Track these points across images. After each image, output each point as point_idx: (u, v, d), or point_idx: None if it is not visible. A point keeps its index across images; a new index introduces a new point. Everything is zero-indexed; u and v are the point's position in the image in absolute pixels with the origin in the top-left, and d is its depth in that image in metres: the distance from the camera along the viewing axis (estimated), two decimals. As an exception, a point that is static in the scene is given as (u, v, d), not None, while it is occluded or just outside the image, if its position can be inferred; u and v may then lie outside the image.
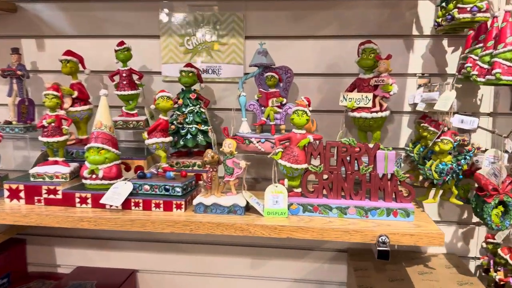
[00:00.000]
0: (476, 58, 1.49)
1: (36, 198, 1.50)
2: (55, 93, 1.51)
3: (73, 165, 1.58)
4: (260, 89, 1.66)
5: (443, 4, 1.55)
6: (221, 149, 1.44)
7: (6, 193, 1.51)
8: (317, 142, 1.42)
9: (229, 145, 1.42)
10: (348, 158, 1.39)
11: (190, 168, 1.66)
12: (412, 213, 1.37)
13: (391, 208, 1.38)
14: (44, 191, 1.49)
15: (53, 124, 1.51)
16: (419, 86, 1.72)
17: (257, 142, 1.58)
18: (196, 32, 1.85)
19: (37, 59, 1.96)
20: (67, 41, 1.92)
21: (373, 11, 1.76)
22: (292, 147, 1.41)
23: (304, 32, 1.81)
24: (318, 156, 1.40)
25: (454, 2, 1.45)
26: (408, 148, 1.71)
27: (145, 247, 2.02)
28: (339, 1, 1.76)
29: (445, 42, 1.75)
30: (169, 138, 1.55)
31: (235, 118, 1.69)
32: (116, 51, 1.71)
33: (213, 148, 1.68)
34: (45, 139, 1.51)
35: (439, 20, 1.56)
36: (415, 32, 1.76)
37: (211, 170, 1.42)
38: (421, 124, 1.63)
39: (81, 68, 1.78)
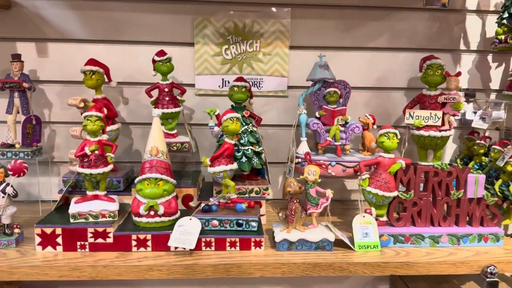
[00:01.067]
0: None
1: (79, 243, 1.21)
2: (99, 114, 1.23)
3: (116, 198, 1.31)
4: (324, 106, 1.52)
5: (505, 21, 1.54)
6: (301, 177, 1.28)
7: (37, 239, 1.21)
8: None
9: (313, 172, 1.26)
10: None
11: (247, 195, 1.46)
12: (502, 237, 1.33)
13: (482, 234, 1.33)
14: (90, 235, 1.21)
15: (96, 152, 1.24)
16: (468, 101, 1.70)
17: (327, 166, 1.44)
18: (235, 40, 1.64)
19: (37, 66, 1.62)
20: (76, 46, 1.61)
21: (423, 24, 1.70)
22: (381, 172, 1.29)
23: (352, 43, 1.70)
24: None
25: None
26: (456, 165, 1.68)
27: None
28: (390, 11, 1.68)
29: (489, 57, 1.75)
30: (235, 165, 1.35)
31: (293, 138, 1.53)
32: (155, 61, 1.46)
33: (266, 172, 1.51)
34: (88, 171, 1.23)
35: (501, 37, 1.54)
36: (462, 46, 1.73)
37: (294, 201, 1.26)
38: (476, 142, 1.61)
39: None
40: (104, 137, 1.27)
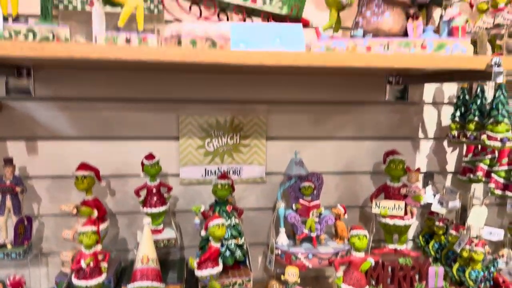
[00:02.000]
0: (485, 167, 1.71)
1: None
2: (94, 228, 1.33)
3: (109, 303, 1.40)
4: (300, 200, 1.66)
5: (457, 119, 1.74)
6: (283, 279, 1.41)
7: None
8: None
9: (293, 274, 1.40)
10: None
11: (231, 288, 1.58)
12: (460, 322, 1.50)
13: (443, 320, 1.49)
14: None
15: (91, 264, 1.32)
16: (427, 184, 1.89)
17: (304, 258, 1.57)
18: (217, 134, 1.78)
19: (27, 163, 1.69)
20: (65, 143, 1.69)
21: (385, 115, 1.89)
22: (353, 271, 1.44)
23: (322, 134, 1.86)
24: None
25: (473, 123, 1.65)
26: (419, 242, 1.86)
27: None
28: (355, 106, 1.86)
29: (445, 143, 1.95)
30: (220, 267, 1.46)
31: (273, 232, 1.67)
32: (144, 165, 1.57)
33: (248, 261, 1.63)
34: (83, 283, 1.31)
35: (454, 133, 1.75)
36: (421, 134, 1.93)
37: (277, 302, 1.38)
38: (435, 223, 1.79)
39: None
40: (99, 247, 1.36)
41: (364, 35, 1.40)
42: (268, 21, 1.46)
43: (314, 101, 1.83)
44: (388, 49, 1.37)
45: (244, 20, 1.46)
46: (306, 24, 1.57)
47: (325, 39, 1.42)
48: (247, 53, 1.17)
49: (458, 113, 1.75)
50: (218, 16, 1.45)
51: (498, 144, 1.53)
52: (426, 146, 1.95)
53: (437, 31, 1.40)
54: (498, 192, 1.65)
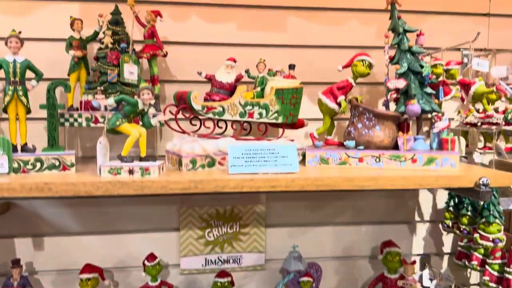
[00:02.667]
0: (480, 256, 1.74)
1: None
2: None
3: None
4: (299, 295, 1.70)
5: (451, 208, 1.79)
6: None
7: None
8: None
9: None
10: None
11: None
12: None
13: None
14: None
15: None
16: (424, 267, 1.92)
17: None
18: (217, 224, 1.83)
19: (33, 259, 1.74)
20: (70, 238, 1.75)
21: (381, 200, 1.93)
22: None
23: (320, 220, 1.91)
24: None
25: (466, 217, 1.69)
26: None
27: None
28: (352, 193, 1.91)
29: (441, 225, 1.99)
30: None
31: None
32: (145, 265, 1.62)
33: None
34: None
35: (449, 222, 1.79)
36: (417, 218, 1.97)
37: None
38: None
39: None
40: None
41: (356, 146, 1.46)
42: (265, 127, 1.52)
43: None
44: (379, 161, 1.43)
45: (243, 129, 1.53)
46: (301, 125, 1.64)
47: (319, 149, 1.48)
48: (243, 180, 1.23)
49: (452, 203, 1.79)
50: (218, 124, 1.52)
51: (490, 244, 1.57)
52: (422, 229, 1.99)
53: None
54: (493, 285, 1.67)
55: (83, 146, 1.72)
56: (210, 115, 1.41)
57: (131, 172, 1.24)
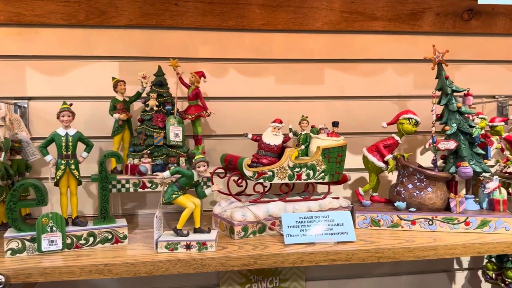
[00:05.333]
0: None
1: None
2: None
3: None
4: None
5: (493, 259, 1.76)
6: None
7: None
8: None
9: None
10: None
11: None
12: None
13: None
14: None
15: None
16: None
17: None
18: (257, 279, 1.80)
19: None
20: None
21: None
22: None
23: (361, 271, 1.88)
24: None
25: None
26: None
27: None
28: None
29: (479, 272, 1.97)
30: None
31: None
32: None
33: None
34: None
35: (492, 274, 1.76)
36: (455, 266, 1.95)
37: None
38: None
39: None
40: None
41: (407, 208, 1.44)
42: (312, 188, 1.51)
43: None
44: (432, 224, 1.41)
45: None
46: (345, 181, 1.62)
47: (368, 210, 1.47)
48: (303, 255, 1.21)
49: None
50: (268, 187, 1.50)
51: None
52: (461, 277, 1.96)
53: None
54: None
55: (123, 204, 1.70)
56: (261, 181, 1.39)
57: (188, 247, 1.21)
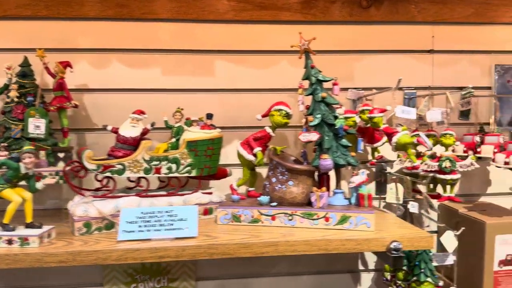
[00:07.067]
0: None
1: None
2: None
3: None
4: None
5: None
6: None
7: None
8: None
9: None
10: None
11: None
12: None
13: None
14: None
15: None
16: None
17: None
18: (143, 278, 1.73)
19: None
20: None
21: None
22: None
23: (256, 270, 1.81)
24: None
25: (402, 272, 1.57)
26: None
27: None
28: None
29: (386, 274, 1.88)
30: None
31: None
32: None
33: None
34: None
35: (388, 275, 1.67)
36: (360, 267, 1.86)
37: None
38: None
39: None
40: None
41: (270, 202, 1.37)
42: (178, 182, 1.45)
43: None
44: (292, 219, 1.33)
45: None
46: (223, 175, 1.56)
47: (233, 205, 1.40)
48: (127, 251, 1.14)
49: (391, 254, 1.68)
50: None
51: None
52: (367, 279, 1.87)
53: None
54: None
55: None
56: (108, 174, 1.33)
57: (10, 242, 1.16)
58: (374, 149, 1.67)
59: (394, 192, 1.61)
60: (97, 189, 1.43)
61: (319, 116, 1.37)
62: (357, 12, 1.75)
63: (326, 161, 1.33)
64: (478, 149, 1.66)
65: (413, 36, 1.82)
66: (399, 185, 1.66)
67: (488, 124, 1.77)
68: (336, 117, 1.36)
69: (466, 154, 1.73)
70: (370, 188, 1.36)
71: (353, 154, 1.39)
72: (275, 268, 1.82)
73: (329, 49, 1.74)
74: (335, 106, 1.39)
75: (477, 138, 1.72)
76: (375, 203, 1.78)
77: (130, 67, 1.71)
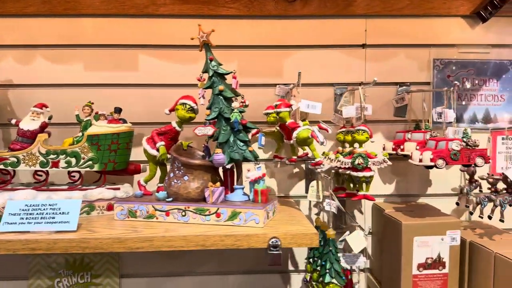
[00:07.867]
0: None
1: None
2: None
3: None
4: None
5: (311, 260, 1.62)
6: None
7: None
8: None
9: None
10: None
11: None
12: None
13: None
14: None
15: None
16: None
17: None
18: (67, 273, 1.73)
19: None
20: None
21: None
22: None
23: (183, 269, 1.78)
24: None
25: (317, 272, 1.52)
26: None
27: None
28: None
29: (318, 275, 1.82)
30: None
31: None
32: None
33: None
34: None
35: (308, 276, 1.62)
36: (290, 267, 1.81)
37: None
38: None
39: None
40: None
41: (167, 197, 1.35)
42: (80, 176, 1.44)
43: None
44: (185, 215, 1.31)
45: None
46: (136, 171, 1.54)
47: (130, 200, 1.38)
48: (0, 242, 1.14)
49: (313, 253, 1.63)
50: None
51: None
52: (297, 280, 1.81)
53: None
54: None
55: None
56: (1, 166, 1.33)
57: None
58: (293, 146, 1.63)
59: (315, 190, 1.56)
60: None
61: (216, 109, 1.34)
62: (282, 6, 1.70)
63: (219, 155, 1.30)
64: (402, 146, 1.60)
65: (344, 31, 1.77)
66: (320, 183, 1.62)
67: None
68: (232, 111, 1.33)
69: (394, 152, 1.67)
70: (266, 184, 1.32)
71: (251, 149, 1.35)
72: (203, 267, 1.79)
73: (257, 44, 1.72)
74: (239, 100, 1.36)
75: (409, 136, 1.66)
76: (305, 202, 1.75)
77: (54, 63, 1.72)
